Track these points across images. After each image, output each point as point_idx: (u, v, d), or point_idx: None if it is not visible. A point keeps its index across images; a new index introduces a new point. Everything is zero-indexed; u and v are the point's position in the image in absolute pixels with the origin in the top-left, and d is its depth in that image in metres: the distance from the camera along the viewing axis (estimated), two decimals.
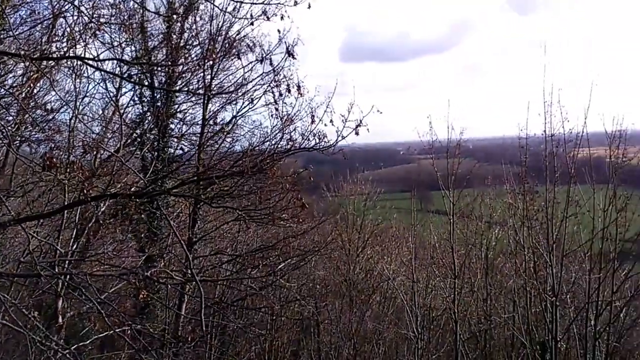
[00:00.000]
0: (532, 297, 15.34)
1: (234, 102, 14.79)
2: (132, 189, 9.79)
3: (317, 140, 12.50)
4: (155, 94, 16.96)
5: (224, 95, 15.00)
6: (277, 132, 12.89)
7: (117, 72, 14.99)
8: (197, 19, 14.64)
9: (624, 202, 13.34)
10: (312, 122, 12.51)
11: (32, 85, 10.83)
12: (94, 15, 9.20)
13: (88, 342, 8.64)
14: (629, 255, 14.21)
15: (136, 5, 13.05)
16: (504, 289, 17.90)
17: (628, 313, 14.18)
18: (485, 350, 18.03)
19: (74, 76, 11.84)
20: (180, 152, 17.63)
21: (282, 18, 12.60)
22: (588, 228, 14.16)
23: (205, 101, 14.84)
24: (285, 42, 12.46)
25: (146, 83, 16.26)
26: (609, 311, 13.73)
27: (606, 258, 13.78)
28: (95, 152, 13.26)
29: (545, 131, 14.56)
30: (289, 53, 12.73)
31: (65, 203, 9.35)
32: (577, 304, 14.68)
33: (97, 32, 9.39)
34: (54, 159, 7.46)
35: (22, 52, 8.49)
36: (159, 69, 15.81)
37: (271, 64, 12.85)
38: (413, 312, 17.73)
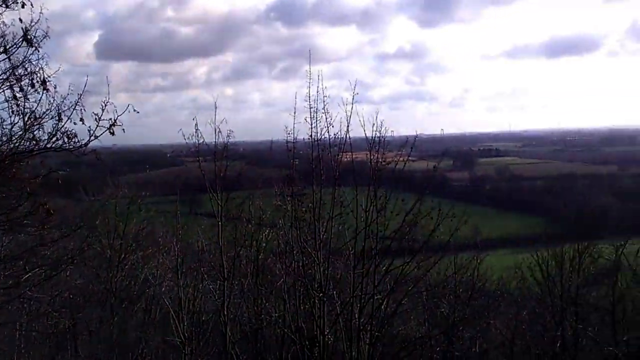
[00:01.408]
0: (301, 295, 15.87)
1: None
2: None
3: (66, 140, 11.35)
4: None
5: None
6: (19, 131, 11.41)
7: None
8: None
9: (384, 202, 14.51)
10: (59, 120, 11.29)
11: None
12: None
13: None
14: (388, 252, 15.46)
15: None
16: (274, 288, 18.29)
17: (388, 305, 15.42)
18: (256, 350, 18.30)
19: None
20: None
21: (23, 5, 11.11)
22: (352, 227, 15.08)
23: None
24: (24, 30, 11.05)
25: None
26: (372, 304, 14.83)
27: (368, 255, 14.86)
28: None
29: (311, 136, 15.19)
30: (27, 40, 11.28)
31: None
32: (343, 299, 15.55)
33: None
34: None
35: None
36: None
37: (6, 53, 11.34)
38: (180, 317, 17.28)
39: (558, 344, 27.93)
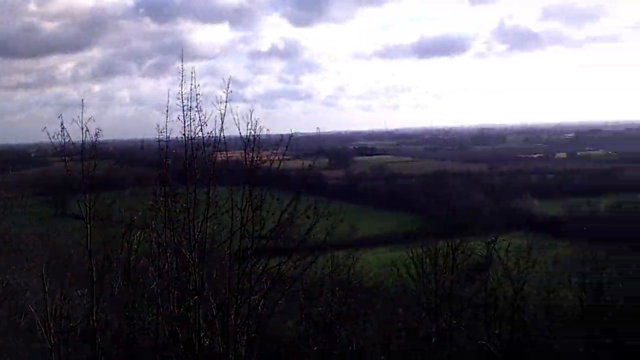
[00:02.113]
0: (175, 298, 15.95)
1: None
2: None
3: None
4: None
5: None
6: None
7: None
8: None
9: (259, 202, 15.02)
10: None
11: None
12: None
13: None
14: (265, 251, 15.96)
15: None
16: (147, 291, 18.20)
17: (265, 305, 15.87)
18: (129, 356, 18.15)
19: None
20: None
21: None
22: (228, 227, 15.44)
23: None
24: None
25: None
26: (248, 305, 15.27)
27: (244, 255, 15.31)
28: None
29: (184, 134, 15.36)
30: None
31: None
32: (219, 301, 15.84)
33: None
34: None
35: None
36: None
37: None
38: (46, 324, 16.77)
39: (433, 340, 29.48)
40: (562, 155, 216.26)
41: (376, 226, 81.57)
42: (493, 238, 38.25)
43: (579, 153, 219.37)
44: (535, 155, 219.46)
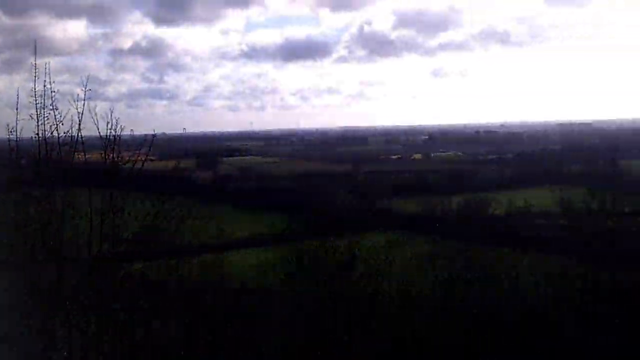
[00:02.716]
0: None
1: None
2: None
3: None
4: None
5: None
6: None
7: None
8: None
9: (121, 204, 14.30)
10: None
11: None
12: None
13: None
14: (128, 255, 15.25)
15: None
16: None
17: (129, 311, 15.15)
18: None
19: None
20: None
21: None
22: (87, 230, 14.56)
23: None
24: None
25: None
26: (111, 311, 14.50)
27: (105, 259, 14.49)
28: None
29: (38, 134, 14.32)
30: None
31: None
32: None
33: None
34: None
35: None
36: None
37: None
38: None
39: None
40: (418, 156, 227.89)
41: (245, 227, 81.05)
42: (357, 238, 39.29)
43: (432, 154, 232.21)
44: (395, 157, 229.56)
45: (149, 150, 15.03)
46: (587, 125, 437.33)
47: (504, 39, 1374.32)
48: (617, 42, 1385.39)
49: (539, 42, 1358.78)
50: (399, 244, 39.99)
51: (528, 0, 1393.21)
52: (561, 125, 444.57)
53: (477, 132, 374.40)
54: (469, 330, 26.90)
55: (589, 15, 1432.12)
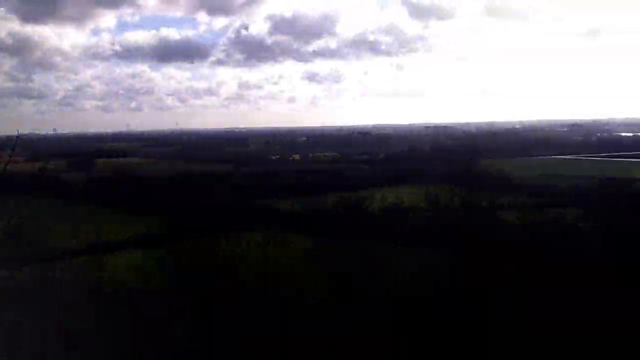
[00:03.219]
0: None
1: None
2: None
3: None
4: None
5: None
6: None
7: None
8: None
9: None
10: None
11: None
12: None
13: None
14: None
15: None
16: None
17: None
18: None
19: None
20: None
21: None
22: None
23: None
24: None
25: None
26: None
27: None
28: None
29: None
30: None
31: None
32: None
33: None
34: None
35: None
36: None
37: None
38: None
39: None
40: (297, 156, 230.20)
41: (123, 229, 77.51)
42: (238, 236, 38.91)
43: (310, 155, 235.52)
44: (274, 157, 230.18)
45: (13, 150, 13.83)
46: (450, 127, 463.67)
47: (374, 47, 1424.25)
48: (475, 49, 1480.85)
49: (407, 51, 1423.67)
50: (280, 243, 39.97)
51: (394, 12, 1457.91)
52: (427, 127, 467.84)
53: (352, 133, 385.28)
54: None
55: (452, 26, 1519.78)
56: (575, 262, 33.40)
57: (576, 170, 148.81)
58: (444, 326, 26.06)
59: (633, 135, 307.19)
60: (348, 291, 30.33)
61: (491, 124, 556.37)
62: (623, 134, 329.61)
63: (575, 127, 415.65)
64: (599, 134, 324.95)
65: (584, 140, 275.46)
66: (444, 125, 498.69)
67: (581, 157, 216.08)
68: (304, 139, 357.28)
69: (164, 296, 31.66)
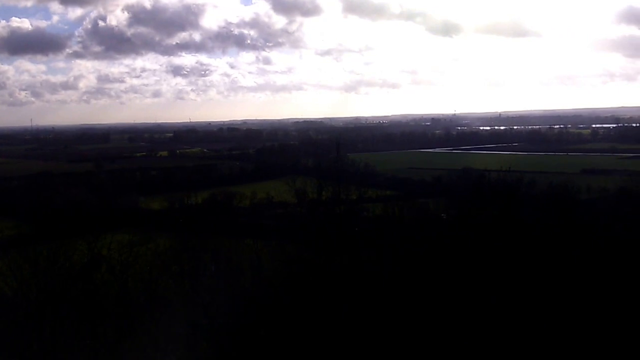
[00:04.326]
0: None
1: None
2: None
3: None
4: None
5: None
6: None
7: None
8: None
9: None
10: None
11: None
12: None
13: None
14: None
15: None
16: None
17: None
18: None
19: None
20: None
21: None
22: None
23: None
24: None
25: None
26: None
27: None
28: None
29: None
30: None
31: None
32: None
33: None
34: None
35: None
36: None
37: None
38: None
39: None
40: (164, 153, 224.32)
41: None
42: (96, 237, 37.33)
43: (178, 151, 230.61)
44: (140, 154, 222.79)
45: None
46: (319, 122, 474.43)
47: (240, 41, 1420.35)
48: (340, 45, 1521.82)
49: (273, 46, 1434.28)
50: (144, 242, 38.88)
51: (258, 7, 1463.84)
52: (297, 122, 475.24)
53: (221, 129, 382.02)
54: None
55: (316, 22, 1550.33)
56: (435, 251, 35.39)
57: (439, 163, 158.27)
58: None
59: (490, 129, 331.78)
60: (201, 291, 30.18)
61: (358, 118, 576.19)
62: (481, 127, 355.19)
63: (436, 121, 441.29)
64: (458, 128, 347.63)
65: (445, 134, 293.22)
66: (312, 120, 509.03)
67: (443, 150, 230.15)
68: (171, 134, 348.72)
69: (10, 301, 29.85)
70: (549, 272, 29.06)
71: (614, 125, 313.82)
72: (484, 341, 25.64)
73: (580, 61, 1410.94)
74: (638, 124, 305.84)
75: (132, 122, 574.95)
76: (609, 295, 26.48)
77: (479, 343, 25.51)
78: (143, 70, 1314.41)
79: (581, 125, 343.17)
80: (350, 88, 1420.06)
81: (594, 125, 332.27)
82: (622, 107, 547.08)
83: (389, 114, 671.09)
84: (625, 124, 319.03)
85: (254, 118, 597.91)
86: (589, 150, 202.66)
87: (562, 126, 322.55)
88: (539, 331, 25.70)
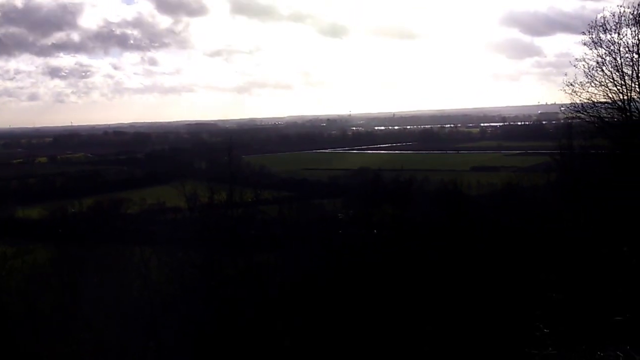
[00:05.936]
0: None
1: None
2: None
3: None
4: None
5: None
6: None
7: None
8: None
9: None
10: None
11: None
12: None
13: None
14: None
15: None
16: None
17: None
18: None
19: None
20: None
21: None
22: None
23: None
24: None
25: None
26: None
27: None
28: None
29: None
30: None
31: None
32: None
33: None
34: None
35: None
36: None
37: None
38: None
39: None
40: (43, 159, 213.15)
41: None
42: None
43: (59, 157, 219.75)
44: (16, 161, 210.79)
45: None
46: (212, 124, 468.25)
47: (122, 41, 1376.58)
48: (229, 45, 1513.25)
49: (158, 46, 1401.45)
50: (19, 255, 36.70)
51: (140, 6, 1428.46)
52: (188, 125, 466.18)
53: (106, 132, 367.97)
54: None
55: (203, 23, 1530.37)
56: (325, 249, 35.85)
57: (335, 163, 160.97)
58: None
59: (385, 129, 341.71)
60: (82, 304, 28.97)
61: (253, 120, 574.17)
62: (376, 127, 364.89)
63: (331, 122, 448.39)
64: (354, 128, 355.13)
65: (341, 135, 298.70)
66: (205, 122, 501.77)
67: (339, 150, 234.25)
68: (50, 139, 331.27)
69: None
70: (443, 265, 30.26)
71: (501, 124, 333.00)
72: (384, 341, 26.16)
73: (468, 62, 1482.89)
74: (522, 123, 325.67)
75: (8, 127, 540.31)
76: (498, 279, 27.87)
77: (378, 343, 26.01)
78: (17, 72, 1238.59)
79: (470, 125, 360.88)
80: (242, 89, 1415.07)
81: (482, 124, 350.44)
82: (508, 106, 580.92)
83: (284, 115, 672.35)
84: (511, 123, 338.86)
85: (142, 121, 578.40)
86: (477, 148, 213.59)
87: (452, 125, 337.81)
88: (437, 326, 26.52)
